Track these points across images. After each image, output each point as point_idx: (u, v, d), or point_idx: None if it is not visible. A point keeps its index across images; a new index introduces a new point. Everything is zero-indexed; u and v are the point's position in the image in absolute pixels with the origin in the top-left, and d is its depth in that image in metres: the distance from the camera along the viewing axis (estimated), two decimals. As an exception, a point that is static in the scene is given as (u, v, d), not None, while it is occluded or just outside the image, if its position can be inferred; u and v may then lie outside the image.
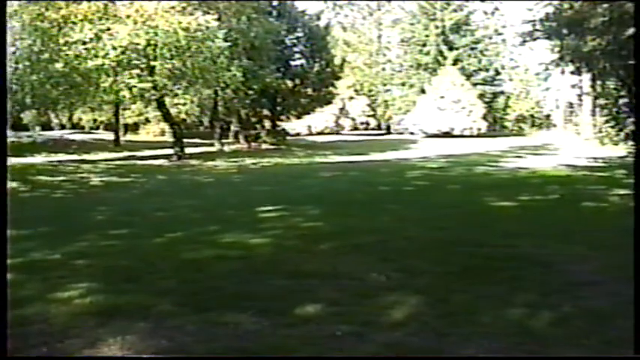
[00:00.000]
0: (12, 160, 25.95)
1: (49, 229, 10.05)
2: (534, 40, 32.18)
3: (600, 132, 36.92)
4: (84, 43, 28.15)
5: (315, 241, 8.81)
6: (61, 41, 28.69)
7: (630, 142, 27.53)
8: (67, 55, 28.70)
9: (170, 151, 33.36)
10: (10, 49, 40.56)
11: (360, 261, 7.58)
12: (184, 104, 40.80)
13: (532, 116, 73.63)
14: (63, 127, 64.48)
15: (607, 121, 32.62)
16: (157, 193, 16.74)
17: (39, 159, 29.68)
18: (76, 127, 64.60)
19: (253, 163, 28.66)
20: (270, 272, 7.05)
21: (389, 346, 4.81)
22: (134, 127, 62.72)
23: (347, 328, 5.14)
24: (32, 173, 21.08)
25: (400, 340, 4.94)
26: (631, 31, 16.84)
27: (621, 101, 28.73)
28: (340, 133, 70.07)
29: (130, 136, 56.76)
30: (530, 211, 12.42)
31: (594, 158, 27.61)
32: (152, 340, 4.91)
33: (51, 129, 61.62)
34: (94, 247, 8.60)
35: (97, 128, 64.78)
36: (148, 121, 59.65)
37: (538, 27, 29.86)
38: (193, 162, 29.60)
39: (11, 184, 17.65)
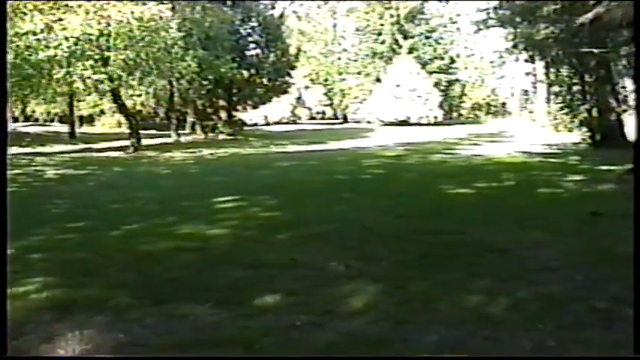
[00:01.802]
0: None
1: (3, 223, 9.91)
2: (488, 28, 32.50)
3: (555, 119, 37.31)
4: (35, 33, 27.75)
5: (273, 231, 8.82)
6: (11, 32, 28.21)
7: (584, 129, 27.91)
8: (17, 46, 28.25)
9: (126, 143, 33.08)
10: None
11: (319, 250, 7.59)
12: (139, 95, 40.42)
13: (487, 104, 74.49)
14: (16, 119, 63.58)
15: (561, 108, 32.99)
16: (113, 185, 16.58)
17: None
18: (30, 119, 63.83)
19: (210, 154, 28.55)
20: (228, 263, 7.04)
21: (349, 335, 4.83)
22: (89, 119, 62.10)
23: (306, 317, 5.15)
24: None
25: (360, 328, 4.97)
26: (582, 18, 17.04)
27: (574, 88, 29.08)
28: (297, 123, 70.12)
29: (85, 129, 56.19)
30: (487, 199, 12.53)
31: (549, 145, 27.93)
32: (110, 334, 4.88)
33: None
34: (50, 240, 8.51)
35: (52, 121, 64.09)
36: (103, 112, 59.09)
37: (492, 15, 30.16)
38: (150, 153, 29.39)
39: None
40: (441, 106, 59.30)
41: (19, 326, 5.05)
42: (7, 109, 58.71)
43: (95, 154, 29.41)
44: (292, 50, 54.74)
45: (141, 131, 34.59)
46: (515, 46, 31.74)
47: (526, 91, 63.15)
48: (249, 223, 9.66)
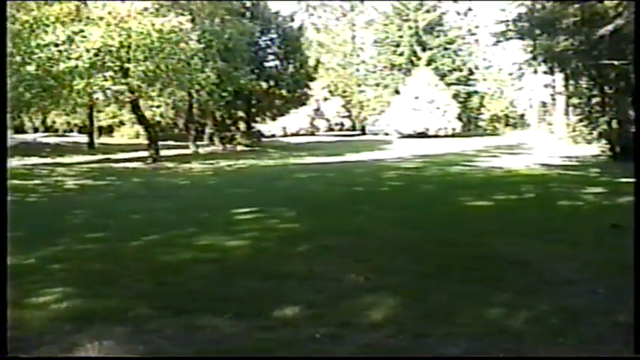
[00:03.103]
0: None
1: (23, 233, 9.91)
2: (507, 40, 32.39)
3: (573, 131, 37.19)
4: (56, 45, 27.93)
5: (291, 242, 8.80)
6: (33, 44, 28.43)
7: (603, 141, 27.77)
8: (39, 57, 28.45)
9: (145, 154, 33.21)
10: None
11: (337, 262, 7.57)
12: (159, 106, 40.65)
13: (506, 116, 74.25)
14: (36, 130, 64.02)
15: (580, 120, 32.89)
16: (132, 195, 16.64)
17: (13, 162, 29.40)
18: (50, 130, 64.20)
19: (228, 165, 28.58)
20: (247, 274, 7.03)
21: (368, 348, 4.81)
22: (108, 130, 62.41)
23: (325, 330, 5.14)
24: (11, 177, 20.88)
25: (379, 341, 4.95)
26: (602, 30, 17.00)
27: (593, 100, 28.96)
28: (315, 134, 70.14)
29: (104, 139, 56.43)
30: (506, 211, 12.48)
31: (568, 157, 27.82)
32: (129, 345, 4.88)
33: (24, 132, 61.18)
34: (70, 250, 8.53)
35: (71, 131, 64.43)
36: (122, 123, 59.38)
37: (511, 27, 30.06)
38: (168, 164, 29.47)
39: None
40: (459, 117, 59.17)
41: (40, 336, 5.09)
42: (28, 119, 59.17)
43: (114, 165, 29.53)
44: (311, 62, 54.81)
45: (160, 142, 34.72)
46: (534, 58, 31.66)
47: (545, 103, 63.05)
48: (268, 234, 9.66)
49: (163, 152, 34.41)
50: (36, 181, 19.82)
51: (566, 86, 38.87)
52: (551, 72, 38.64)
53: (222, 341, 4.96)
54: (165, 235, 9.62)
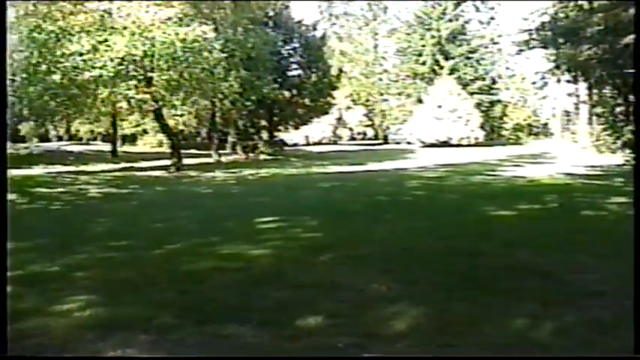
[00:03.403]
0: (10, 172, 25.92)
1: (47, 240, 10.01)
2: (530, 49, 32.35)
3: (597, 140, 36.97)
4: (81, 54, 28.12)
5: (315, 252, 8.79)
6: (59, 53, 28.66)
7: (628, 150, 27.57)
8: (64, 66, 28.67)
9: (168, 162, 33.31)
10: (7, 61, 40.63)
11: (360, 272, 7.56)
12: (182, 115, 40.84)
13: (529, 125, 73.95)
14: (60, 138, 64.50)
15: (604, 129, 32.69)
16: (155, 204, 16.69)
17: (37, 170, 29.65)
18: (74, 138, 64.64)
19: (251, 174, 28.59)
20: (270, 283, 7.02)
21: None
22: (132, 139, 62.75)
23: (349, 339, 5.13)
24: (30, 185, 21.02)
25: (402, 351, 4.94)
26: (627, 39, 16.89)
27: (618, 109, 28.80)
28: (338, 143, 70.18)
29: (127, 148, 56.74)
30: (529, 221, 12.40)
31: (592, 166, 27.62)
32: (153, 353, 4.90)
33: (48, 140, 61.67)
34: (93, 259, 8.56)
35: (95, 139, 64.84)
36: (145, 132, 59.65)
37: (534, 36, 30.00)
38: (191, 173, 29.53)
39: (10, 196, 17.62)
40: (482, 127, 58.96)
41: (63, 343, 5.12)
42: (53, 127, 59.59)
43: (137, 173, 29.63)
44: (334, 71, 54.86)
45: (182, 151, 34.83)
46: (557, 67, 31.64)
47: (568, 112, 62.75)
48: (291, 243, 9.65)
49: (186, 161, 34.50)
50: (60, 189, 19.92)
51: (589, 95, 38.72)
52: (574, 81, 38.56)
53: (246, 350, 4.97)
54: (189, 244, 9.63)
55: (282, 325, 5.51)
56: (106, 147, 52.03)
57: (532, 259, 8.18)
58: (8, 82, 38.33)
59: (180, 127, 47.32)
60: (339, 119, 73.14)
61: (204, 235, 10.54)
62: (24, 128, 56.36)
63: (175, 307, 6.05)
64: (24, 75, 32.80)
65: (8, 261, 8.03)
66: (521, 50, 33.88)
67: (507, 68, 72.12)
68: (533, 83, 63.96)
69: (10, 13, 32.83)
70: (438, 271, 7.55)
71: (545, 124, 77.98)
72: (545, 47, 31.53)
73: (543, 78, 46.98)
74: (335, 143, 70.41)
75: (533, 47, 31.80)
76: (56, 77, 29.33)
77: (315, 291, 6.63)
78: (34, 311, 5.99)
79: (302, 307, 5.98)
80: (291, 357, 4.60)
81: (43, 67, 29.75)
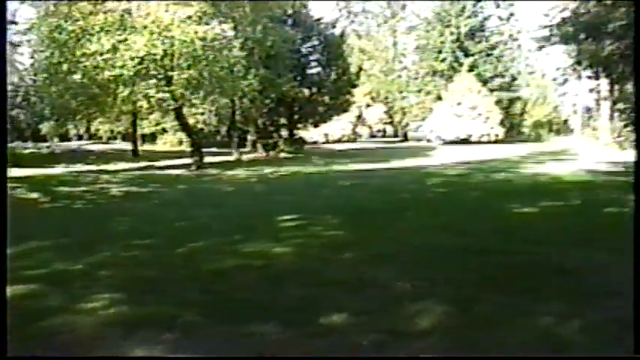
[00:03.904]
0: (32, 171, 26.09)
1: (71, 239, 10.06)
2: (551, 45, 32.10)
3: (619, 136, 36.71)
4: (101, 54, 28.26)
5: (337, 249, 8.77)
6: (79, 53, 28.83)
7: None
8: (84, 66, 28.84)
9: (188, 161, 33.43)
10: (29, 62, 40.91)
11: (384, 269, 7.53)
12: (202, 114, 40.98)
13: (549, 121, 73.58)
14: (81, 137, 64.84)
15: (626, 125, 32.44)
16: (177, 202, 16.73)
17: (58, 170, 29.79)
18: (94, 137, 64.94)
19: (272, 172, 28.58)
20: (293, 281, 7.01)
21: (415, 355, 4.79)
22: (152, 138, 62.95)
23: (372, 337, 5.12)
24: (52, 184, 21.15)
25: (428, 349, 4.91)
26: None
27: (640, 105, 28.57)
28: (357, 141, 70.12)
29: (147, 146, 56.95)
30: (552, 218, 12.33)
31: (614, 163, 27.39)
32: (178, 352, 4.90)
33: (69, 140, 62.01)
34: (117, 257, 8.58)
35: (115, 139, 65.13)
36: (165, 131, 59.84)
37: (555, 32, 29.78)
38: (212, 171, 29.58)
39: (32, 195, 17.75)
40: (502, 124, 58.68)
41: (89, 341, 5.15)
42: (73, 127, 59.87)
43: (158, 172, 29.72)
44: (353, 68, 54.90)
45: (202, 149, 34.91)
46: (578, 63, 31.40)
47: (589, 108, 62.34)
48: (314, 241, 9.65)
49: (207, 159, 34.56)
50: (82, 188, 20.00)
51: (611, 91, 38.45)
52: (595, 77, 38.28)
53: (270, 348, 4.97)
54: (211, 242, 9.65)
55: (306, 322, 5.50)
56: (127, 146, 52.25)
57: (555, 257, 8.12)
58: (30, 81, 38.61)
59: (200, 125, 47.48)
60: (359, 117, 73.06)
61: (226, 233, 10.54)
62: (45, 127, 56.69)
63: (199, 306, 6.05)
64: (45, 75, 33.11)
65: (33, 260, 8.13)
66: (541, 46, 33.61)
67: (527, 65, 71.98)
68: (554, 80, 63.80)
69: (31, 14, 33.11)
70: (461, 268, 7.52)
71: (566, 121, 77.60)
72: (566, 43, 31.32)
73: (564, 74, 46.80)
74: (354, 141, 70.37)
75: (554, 43, 31.55)
76: (77, 77, 29.56)
77: (339, 288, 6.62)
78: (59, 309, 6.02)
79: (326, 305, 5.97)
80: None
81: (64, 66, 29.95)
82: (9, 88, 40.68)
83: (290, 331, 5.32)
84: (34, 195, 17.77)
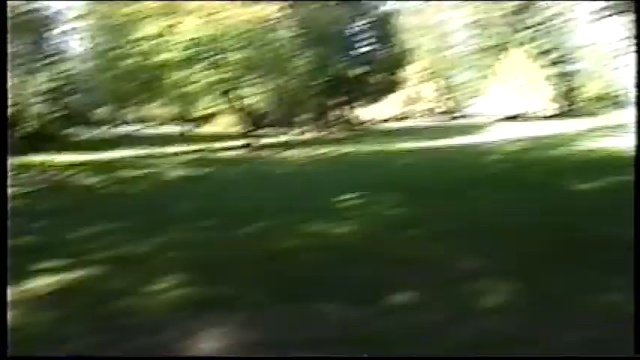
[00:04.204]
0: (90, 157, 26.44)
1: (134, 222, 10.17)
2: (608, 17, 31.48)
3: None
4: (152, 38, 28.47)
5: (401, 228, 8.74)
6: (131, 38, 29.07)
7: None
8: (136, 51, 29.08)
9: (243, 143, 33.55)
10: (81, 48, 41.38)
11: (448, 247, 7.46)
12: (254, 95, 40.96)
13: (606, 95, 72.27)
14: (134, 122, 65.28)
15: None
16: (235, 184, 16.80)
17: (114, 154, 30.08)
18: (147, 121, 65.37)
19: (327, 152, 28.50)
20: (358, 261, 7.01)
21: (484, 333, 4.74)
22: (204, 120, 63.15)
23: (440, 316, 5.11)
24: (110, 168, 21.39)
25: (495, 327, 4.87)
26: None
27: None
28: (410, 119, 69.79)
29: (201, 129, 57.18)
30: (617, 193, 12.10)
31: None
32: (246, 332, 4.93)
33: (123, 124, 62.54)
34: (180, 239, 8.66)
35: (169, 122, 65.49)
36: (218, 113, 59.98)
37: (611, 3, 29.19)
38: (267, 152, 29.64)
39: (92, 180, 17.98)
40: (557, 98, 57.91)
41: (158, 322, 5.19)
42: (127, 111, 60.45)
43: (214, 154, 29.84)
44: (405, 46, 54.51)
45: (256, 130, 35.01)
46: (636, 35, 30.73)
47: (647, 81, 61.15)
48: (377, 220, 9.61)
49: (261, 140, 34.68)
50: (141, 172, 20.16)
51: (670, 63, 37.64)
52: (653, 49, 37.49)
53: (337, 328, 4.96)
54: (273, 223, 9.65)
55: (373, 301, 5.50)
56: (180, 129, 52.64)
57: (621, 232, 7.95)
58: (84, 68, 39.02)
59: (254, 107, 47.51)
60: (411, 95, 72.66)
61: (287, 213, 10.54)
62: (100, 113, 57.25)
63: (265, 286, 6.09)
64: (98, 61, 33.46)
65: (100, 242, 8.23)
66: (597, 19, 32.99)
67: (583, 38, 70.62)
68: (610, 53, 62.55)
69: (82, 1, 33.50)
70: (526, 244, 7.43)
71: (623, 95, 76.26)
72: (623, 14, 30.70)
73: (620, 47, 45.82)
74: (408, 119, 70.05)
75: (611, 15, 30.94)
76: (129, 62, 29.78)
77: (404, 267, 6.58)
78: (127, 291, 6.10)
79: (393, 284, 5.94)
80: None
81: (116, 52, 30.22)
82: (64, 75, 41.28)
83: (359, 309, 5.32)
84: (95, 179, 18.00)
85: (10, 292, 6.06)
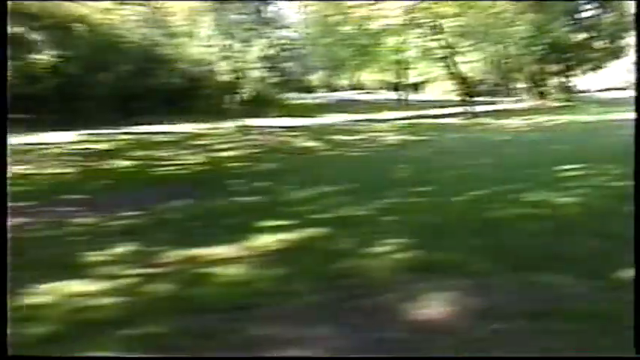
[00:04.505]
0: (306, 121, 27.12)
1: (352, 186, 10.35)
2: None
3: None
4: (370, 4, 28.68)
5: (625, 201, 8.37)
6: (350, 3, 29.43)
7: None
8: (354, 16, 29.40)
9: (459, 110, 33.26)
10: (301, 16, 42.38)
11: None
12: (470, 62, 40.45)
13: None
14: (348, 88, 66.07)
15: None
16: (450, 151, 16.68)
17: (330, 119, 30.71)
18: (362, 88, 66.00)
19: (545, 121, 27.65)
20: (580, 233, 6.76)
21: None
22: (419, 86, 62.97)
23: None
24: (327, 133, 21.83)
25: None
26: None
27: None
28: (630, 89, 66.39)
29: (416, 95, 57.12)
30: None
31: None
32: (470, 298, 4.88)
33: (337, 90, 63.48)
34: (398, 203, 8.74)
35: (383, 89, 65.84)
36: (433, 80, 59.66)
37: None
38: (483, 120, 29.16)
39: (310, 144, 18.46)
40: None
41: (380, 284, 5.27)
42: (342, 77, 61.36)
43: (429, 121, 29.73)
44: (630, 10, 51.73)
45: (472, 98, 34.59)
46: None
47: None
48: (598, 192, 9.22)
49: (477, 108, 34.17)
50: (356, 137, 20.42)
51: None
52: None
53: (563, 300, 4.81)
54: (490, 191, 9.52)
55: (599, 275, 5.29)
56: (393, 95, 52.82)
57: None
58: (300, 35, 39.96)
59: (470, 74, 46.95)
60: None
61: (504, 182, 10.33)
62: (314, 79, 58.38)
63: (486, 253, 5.98)
64: (317, 27, 34.18)
65: (321, 204, 8.48)
66: None
67: None
68: None
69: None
70: None
71: None
72: None
73: None
74: (628, 89, 66.66)
75: None
76: (347, 28, 30.21)
77: (629, 242, 6.31)
78: (349, 252, 6.23)
79: (615, 259, 5.65)
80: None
81: (335, 18, 30.72)
82: (279, 42, 42.43)
83: (581, 283, 5.14)
84: (312, 143, 18.45)
85: (236, 248, 6.40)
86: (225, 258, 6.13)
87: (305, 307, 4.88)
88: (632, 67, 56.79)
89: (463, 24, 30.38)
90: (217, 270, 5.77)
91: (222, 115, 30.91)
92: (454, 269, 5.51)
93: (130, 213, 8.75)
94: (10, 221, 8.38)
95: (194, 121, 26.82)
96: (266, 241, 6.70)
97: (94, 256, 6.44)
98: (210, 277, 5.61)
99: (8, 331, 3.69)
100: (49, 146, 19.15)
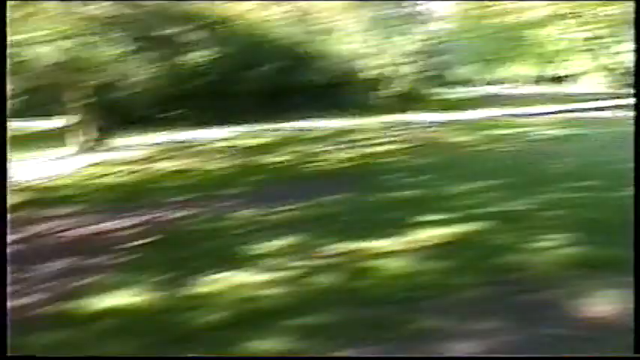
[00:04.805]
0: (454, 116, 26.87)
1: (505, 180, 10.23)
2: None
3: None
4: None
5: None
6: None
7: None
8: (500, 10, 29.06)
9: (610, 103, 32.20)
10: (446, 11, 42.17)
11: None
12: (623, 53, 39.13)
13: None
14: (495, 82, 64.96)
15: None
16: (606, 145, 15.97)
17: (478, 114, 30.25)
18: (508, 82, 64.74)
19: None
20: None
21: None
22: (568, 80, 61.27)
23: None
24: (477, 127, 21.52)
25: None
26: None
27: None
28: None
29: (565, 89, 55.52)
30: None
31: None
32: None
33: (484, 84, 62.58)
34: (558, 199, 8.57)
35: (530, 82, 64.41)
36: (583, 73, 57.91)
37: None
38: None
39: (460, 138, 18.25)
40: None
41: (545, 280, 5.24)
42: (490, 72, 60.59)
43: (584, 114, 28.83)
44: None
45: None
46: None
47: None
48: None
49: (630, 100, 32.90)
50: (506, 131, 20.01)
51: None
52: None
53: None
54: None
55: None
56: (540, 89, 51.71)
57: None
58: (447, 29, 39.83)
59: (622, 66, 45.34)
60: None
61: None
62: (461, 73, 57.75)
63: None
64: (463, 22, 33.92)
65: (478, 199, 8.43)
66: None
67: None
68: None
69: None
70: None
71: None
72: None
73: None
74: None
75: None
76: (494, 21, 29.84)
77: None
78: (509, 247, 6.20)
79: None
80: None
81: (480, 12, 30.42)
82: (425, 37, 42.16)
83: None
84: (464, 138, 18.23)
85: (396, 241, 6.45)
86: (387, 251, 6.22)
87: (470, 301, 4.90)
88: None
89: (612, 16, 29.38)
90: (380, 263, 5.87)
91: (370, 110, 30.94)
92: (622, 267, 5.33)
93: (288, 207, 8.93)
94: (174, 215, 8.83)
95: (342, 117, 26.99)
96: (426, 235, 6.75)
97: (257, 248, 6.67)
98: (373, 270, 5.71)
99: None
100: (203, 143, 19.74)
